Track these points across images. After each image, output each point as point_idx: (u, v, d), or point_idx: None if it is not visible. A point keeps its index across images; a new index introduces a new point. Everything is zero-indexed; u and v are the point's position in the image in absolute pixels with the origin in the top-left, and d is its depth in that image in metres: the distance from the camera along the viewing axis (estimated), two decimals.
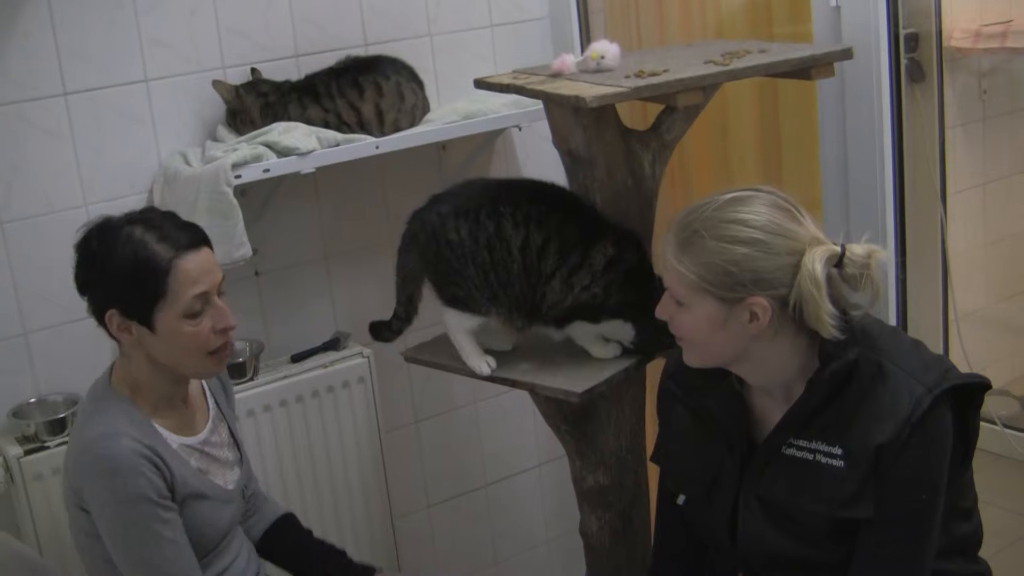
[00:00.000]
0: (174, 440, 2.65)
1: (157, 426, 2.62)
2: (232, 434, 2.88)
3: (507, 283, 2.82)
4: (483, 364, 2.90)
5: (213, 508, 2.69)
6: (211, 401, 2.85)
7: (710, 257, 2.25)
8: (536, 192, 2.91)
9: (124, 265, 2.53)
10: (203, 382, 2.85)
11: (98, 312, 2.60)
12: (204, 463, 2.71)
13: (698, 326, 2.31)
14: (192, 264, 2.57)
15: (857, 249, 2.25)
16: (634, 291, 2.81)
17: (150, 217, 2.62)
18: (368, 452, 3.65)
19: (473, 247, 2.81)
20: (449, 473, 4.11)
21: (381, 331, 3.07)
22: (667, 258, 2.34)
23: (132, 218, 2.61)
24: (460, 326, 2.90)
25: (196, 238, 2.61)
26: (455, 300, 2.86)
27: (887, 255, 2.28)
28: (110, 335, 2.64)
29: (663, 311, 2.40)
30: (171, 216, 2.66)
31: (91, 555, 2.66)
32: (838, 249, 2.25)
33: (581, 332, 2.88)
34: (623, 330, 2.85)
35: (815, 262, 2.20)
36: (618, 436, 3.07)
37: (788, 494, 2.34)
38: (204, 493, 2.66)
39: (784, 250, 2.23)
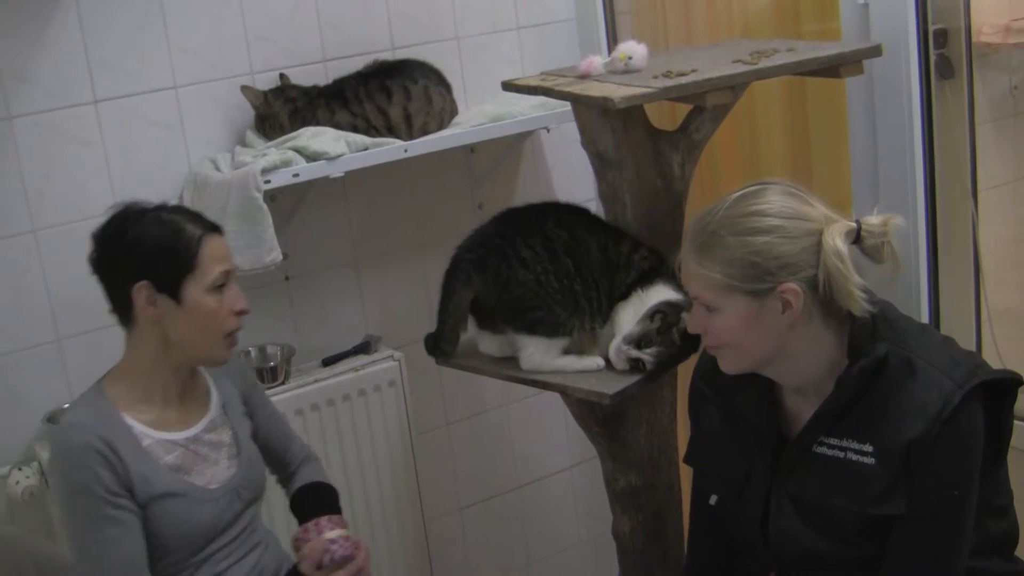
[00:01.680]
0: (150, 435, 2.65)
1: (131, 420, 2.64)
2: (236, 441, 2.84)
3: (590, 286, 2.84)
4: (595, 361, 2.88)
5: (188, 506, 2.67)
6: (216, 402, 2.83)
7: (732, 253, 2.26)
8: (573, 208, 2.98)
9: (158, 239, 2.60)
10: (212, 385, 2.85)
11: (123, 289, 2.62)
12: (187, 460, 2.70)
13: (733, 326, 2.31)
14: (217, 243, 2.66)
15: (872, 220, 2.27)
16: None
17: (169, 207, 2.71)
18: (400, 455, 3.65)
19: (552, 258, 2.82)
20: (481, 475, 4.12)
21: (437, 346, 3.01)
22: (689, 267, 2.35)
23: (155, 207, 2.68)
24: (548, 354, 2.88)
25: (215, 224, 2.71)
26: (537, 324, 2.84)
27: (902, 220, 2.28)
28: (124, 316, 2.67)
29: (695, 324, 2.40)
30: (186, 208, 2.79)
31: None
32: (854, 224, 2.26)
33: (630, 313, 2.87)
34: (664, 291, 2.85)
35: (835, 237, 2.22)
36: (650, 437, 3.07)
37: (820, 492, 2.34)
38: (174, 491, 2.65)
39: (803, 232, 2.24)
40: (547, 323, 2.83)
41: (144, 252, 2.60)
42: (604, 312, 2.87)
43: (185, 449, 2.71)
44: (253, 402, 2.96)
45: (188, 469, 2.70)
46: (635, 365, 2.77)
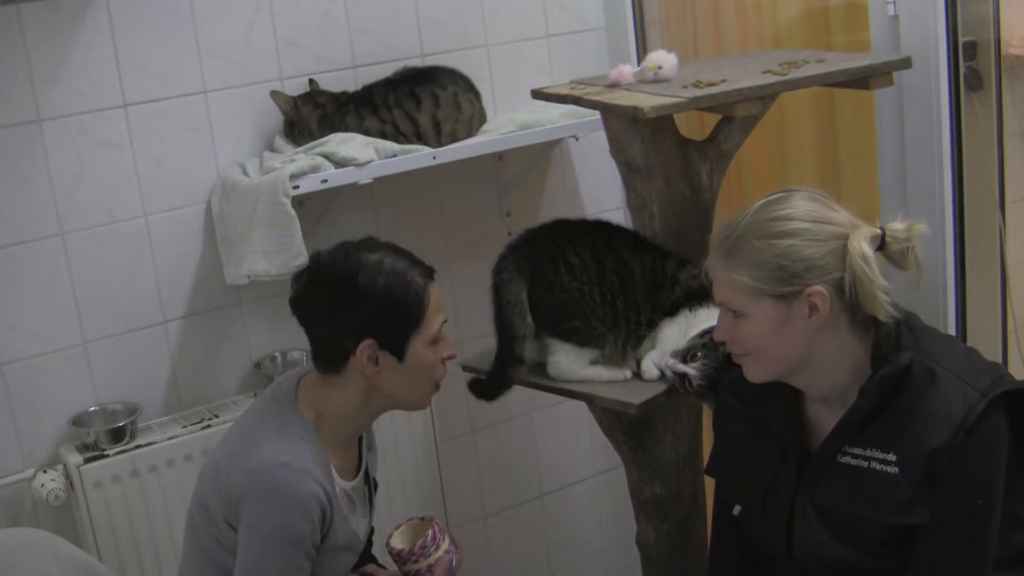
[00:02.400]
0: (339, 483, 2.62)
1: (332, 466, 2.60)
2: (370, 482, 2.82)
3: (631, 307, 2.84)
4: (623, 372, 2.88)
5: (346, 559, 2.68)
6: (364, 448, 2.80)
7: (759, 256, 2.28)
8: (623, 229, 2.99)
9: (390, 295, 2.52)
10: None
11: (343, 341, 2.54)
12: (350, 510, 2.68)
13: (760, 332, 2.32)
14: (436, 292, 2.60)
15: (897, 226, 2.30)
16: None
17: (382, 246, 2.61)
18: (424, 462, 3.65)
19: (600, 271, 2.82)
20: (505, 483, 4.11)
21: (488, 389, 2.96)
22: (716, 272, 2.36)
23: (370, 246, 2.60)
24: (577, 363, 2.87)
25: (431, 268, 2.63)
26: (572, 333, 2.85)
27: (926, 226, 2.30)
28: (332, 364, 2.58)
29: (721, 331, 2.41)
30: (398, 248, 2.65)
31: (205, 557, 2.62)
32: (879, 230, 2.28)
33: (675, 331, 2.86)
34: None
35: (860, 240, 2.24)
36: (676, 447, 3.06)
37: (844, 502, 2.34)
38: (347, 545, 2.65)
39: (828, 235, 2.26)
40: (582, 333, 2.83)
41: (374, 307, 2.51)
42: (641, 334, 2.87)
43: (349, 498, 2.69)
44: (373, 461, 2.90)
45: (350, 519, 2.68)
46: (681, 380, 2.75)
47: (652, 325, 2.86)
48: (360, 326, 2.51)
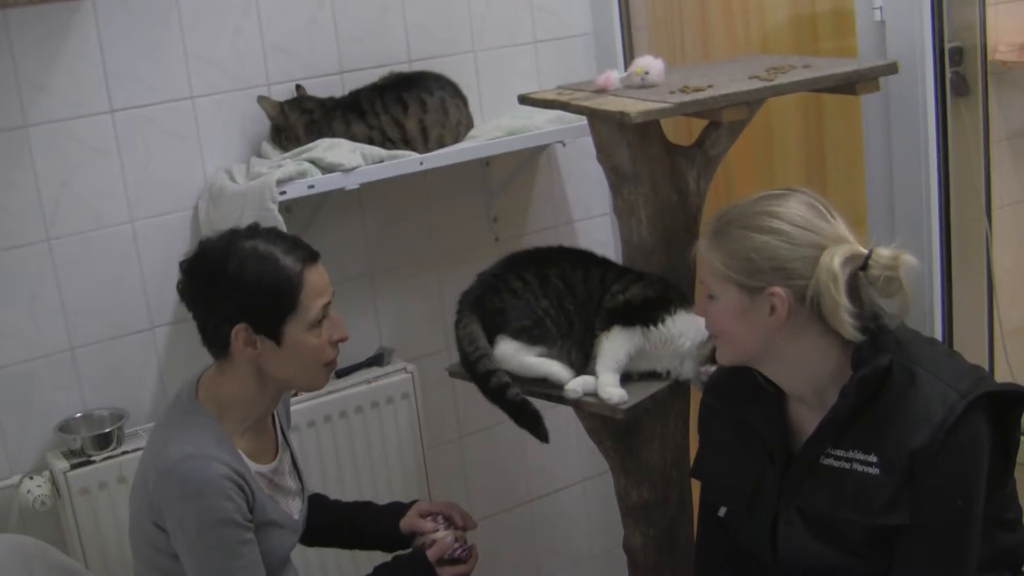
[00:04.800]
0: (251, 466, 2.65)
1: (239, 449, 2.63)
2: (294, 463, 2.88)
3: (579, 313, 2.86)
4: (569, 372, 2.88)
5: (282, 536, 2.70)
6: (279, 428, 2.85)
7: (734, 245, 2.33)
8: (569, 251, 3.03)
9: (259, 281, 2.55)
10: (275, 411, 2.84)
11: (220, 327, 2.58)
12: (273, 492, 2.71)
13: (724, 316, 2.38)
14: (316, 276, 2.62)
15: (884, 251, 2.29)
16: None
17: (263, 232, 2.66)
18: (412, 467, 3.65)
19: (542, 284, 2.86)
20: (493, 488, 4.11)
21: (537, 425, 2.88)
22: (700, 250, 2.42)
23: (247, 233, 2.65)
24: (522, 353, 2.88)
25: (312, 252, 2.66)
26: (521, 332, 2.86)
27: (915, 260, 2.29)
28: (218, 350, 2.64)
29: (698, 307, 2.49)
30: (281, 232, 2.72)
31: (152, 567, 2.66)
32: (864, 251, 2.29)
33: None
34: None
35: (834, 257, 2.24)
36: (663, 452, 3.07)
37: (827, 504, 2.35)
38: (277, 521, 2.67)
39: (807, 243, 2.28)
40: (533, 332, 2.86)
41: (243, 293, 2.56)
42: (587, 344, 2.89)
43: (270, 481, 2.72)
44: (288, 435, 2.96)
45: (277, 500, 2.71)
46: None
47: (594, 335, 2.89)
48: (233, 311, 2.56)
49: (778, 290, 2.27)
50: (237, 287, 2.55)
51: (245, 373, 2.63)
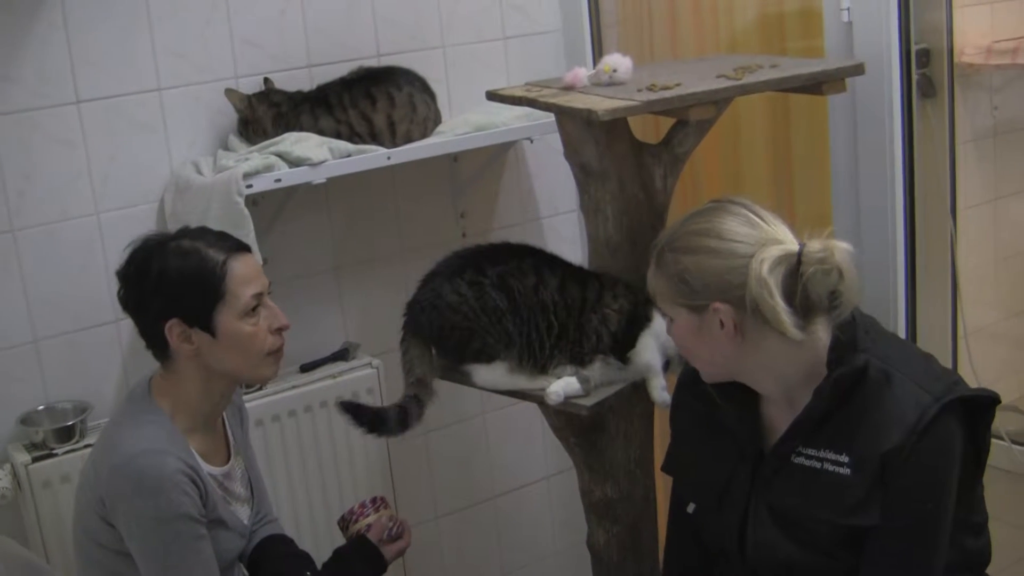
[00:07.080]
0: (205, 468, 2.66)
1: (192, 448, 2.64)
2: (248, 470, 2.89)
3: (528, 324, 2.84)
4: (542, 382, 2.87)
5: (230, 539, 2.70)
6: (230, 434, 2.85)
7: (670, 269, 2.34)
8: (517, 249, 2.98)
9: (182, 274, 2.57)
10: (224, 416, 2.84)
11: (155, 327, 2.60)
12: (224, 494, 2.72)
13: (684, 336, 2.39)
14: (243, 265, 2.63)
15: (815, 244, 2.26)
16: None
17: (190, 232, 2.68)
18: (376, 463, 3.65)
19: (479, 298, 2.83)
20: (457, 484, 4.11)
21: (381, 423, 2.90)
22: (648, 279, 2.43)
23: (175, 235, 2.67)
24: (496, 377, 2.89)
25: (240, 243, 2.68)
26: (476, 355, 2.87)
27: (848, 246, 2.25)
28: (160, 352, 2.66)
29: (668, 330, 2.49)
30: (208, 230, 2.72)
31: (95, 565, 2.66)
32: (794, 248, 2.26)
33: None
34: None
35: (762, 262, 2.23)
36: (627, 449, 3.07)
37: (797, 503, 2.36)
38: (226, 521, 2.67)
39: (736, 254, 2.27)
40: (484, 352, 2.86)
41: (169, 290, 2.58)
42: (547, 352, 2.87)
43: (220, 484, 2.72)
44: (244, 442, 2.96)
45: (228, 504, 2.72)
46: None
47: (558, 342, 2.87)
48: (162, 307, 2.59)
49: (719, 305, 2.28)
50: (162, 282, 2.58)
51: (190, 370, 2.64)
